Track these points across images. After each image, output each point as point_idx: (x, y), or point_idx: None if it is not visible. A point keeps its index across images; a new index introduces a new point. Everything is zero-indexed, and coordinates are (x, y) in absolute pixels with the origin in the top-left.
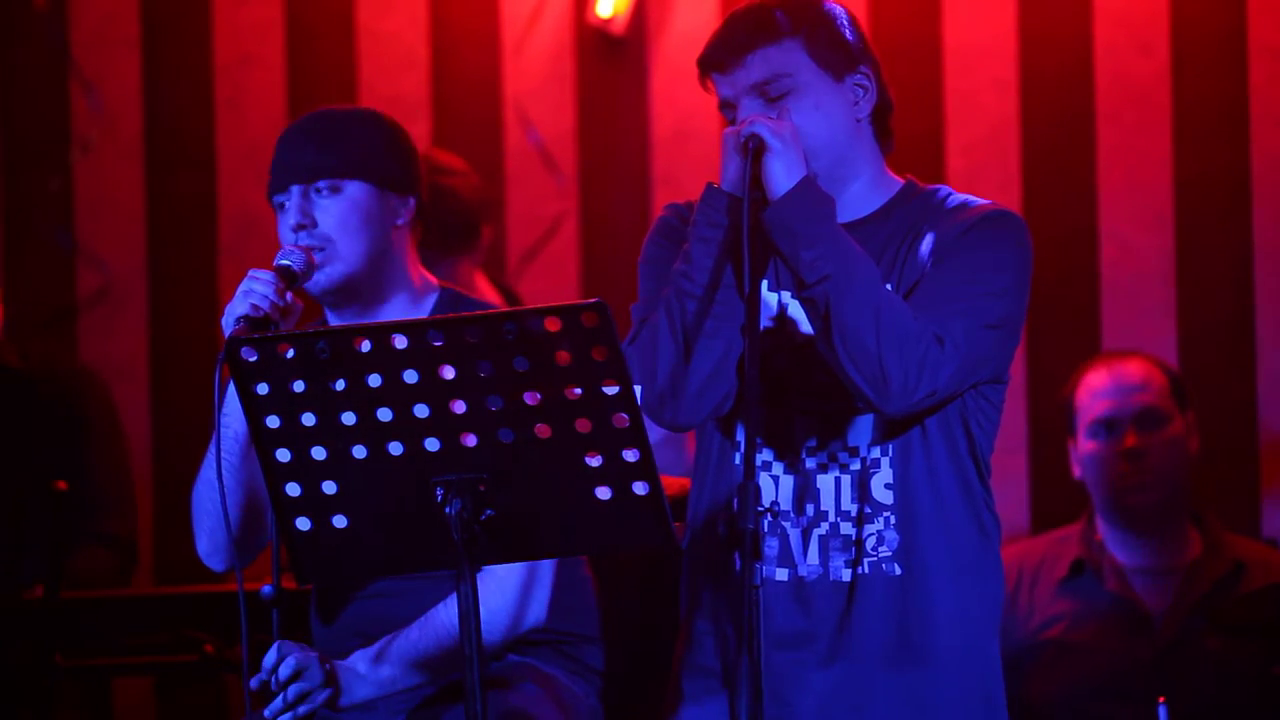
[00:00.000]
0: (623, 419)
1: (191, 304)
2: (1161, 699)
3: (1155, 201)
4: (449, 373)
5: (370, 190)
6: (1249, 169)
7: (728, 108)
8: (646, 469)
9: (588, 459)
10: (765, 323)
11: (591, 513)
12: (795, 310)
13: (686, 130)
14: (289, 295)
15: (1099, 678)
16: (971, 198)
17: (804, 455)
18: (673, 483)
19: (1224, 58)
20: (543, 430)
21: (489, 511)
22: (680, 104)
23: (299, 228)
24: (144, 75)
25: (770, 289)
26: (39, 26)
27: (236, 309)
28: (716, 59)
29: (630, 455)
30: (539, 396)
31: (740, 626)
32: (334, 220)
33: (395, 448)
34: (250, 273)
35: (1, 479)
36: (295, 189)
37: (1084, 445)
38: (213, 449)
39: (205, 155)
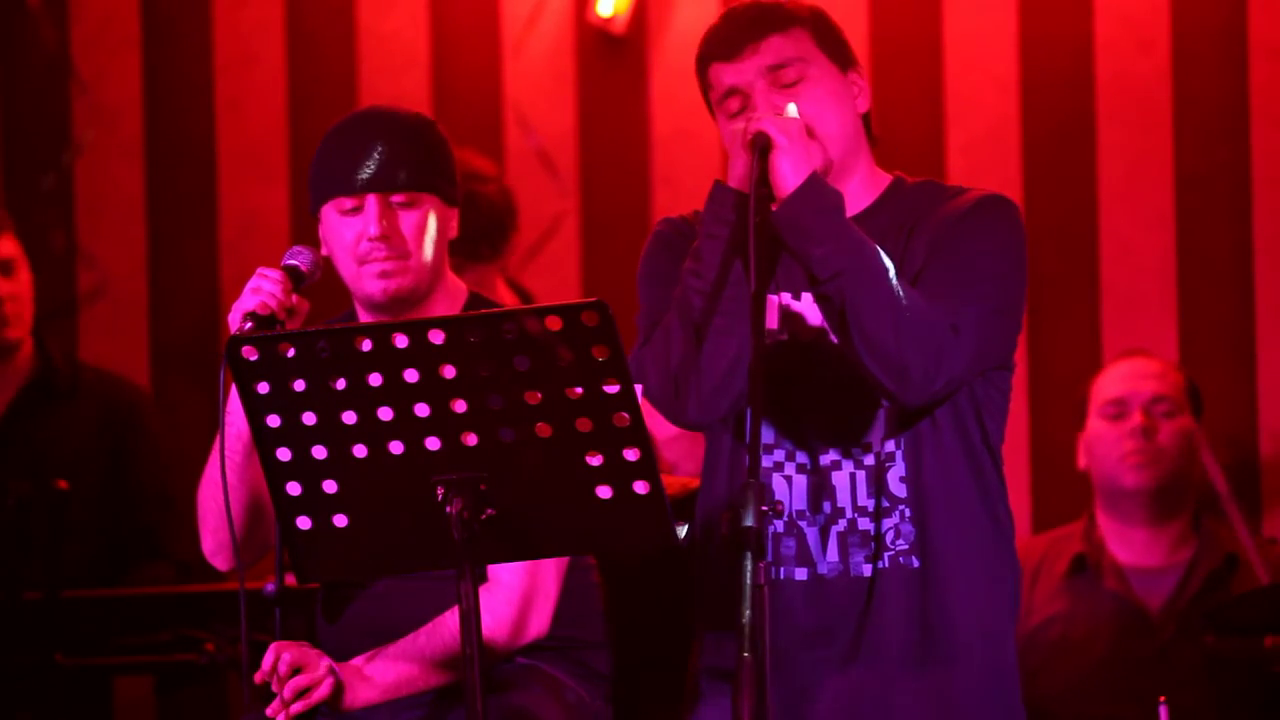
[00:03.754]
0: (623, 418)
1: (192, 303)
2: (1162, 699)
3: (1155, 201)
4: (450, 372)
5: (439, 204)
6: (1249, 168)
7: (733, 96)
8: (647, 468)
9: (588, 458)
10: (769, 324)
11: (592, 512)
12: (800, 308)
13: (686, 130)
14: (295, 296)
15: (1099, 676)
16: (959, 186)
17: (817, 454)
18: (673, 482)
19: (1224, 57)
20: (543, 429)
21: (489, 511)
22: (680, 104)
23: (381, 239)
24: (144, 75)
25: (770, 292)
26: (39, 25)
27: (244, 305)
28: (723, 47)
29: (631, 455)
30: (540, 396)
31: (741, 628)
32: (412, 233)
33: (396, 447)
34: (259, 270)
35: (35, 483)
36: (373, 198)
37: (1094, 427)
38: (217, 448)
39: (205, 155)
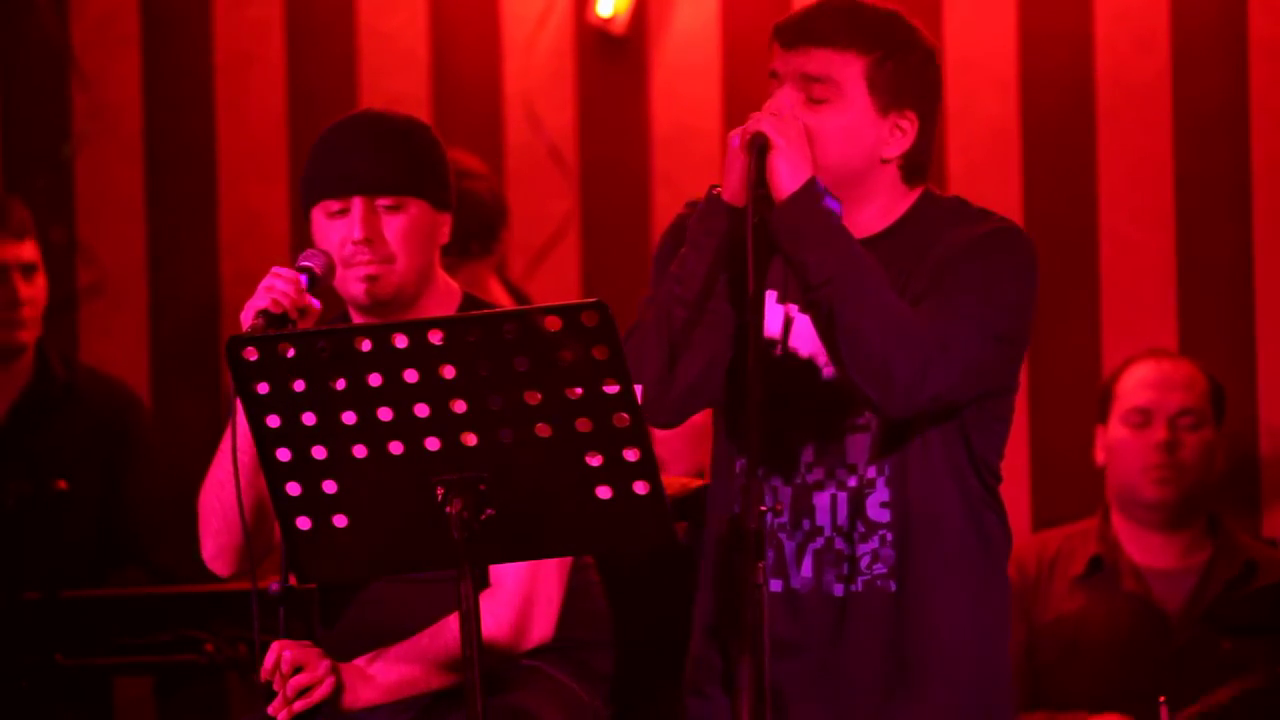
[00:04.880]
0: (623, 418)
1: (192, 303)
2: (1162, 699)
3: (1155, 201)
4: (450, 372)
5: (426, 209)
6: (1249, 168)
7: (775, 78)
8: (647, 468)
9: (588, 459)
10: (775, 330)
11: (592, 513)
12: (801, 325)
13: (687, 130)
14: (308, 297)
15: (1114, 677)
16: (984, 210)
17: (802, 470)
18: (673, 482)
19: (1224, 56)
20: (543, 430)
21: (489, 511)
22: (681, 103)
23: (365, 242)
24: (144, 73)
25: (778, 300)
26: (39, 22)
27: (257, 303)
28: (787, 33)
29: (631, 455)
30: (539, 396)
31: (741, 628)
32: (398, 237)
33: (396, 447)
34: (273, 269)
35: (34, 483)
36: (359, 200)
37: (1116, 431)
38: (221, 453)
39: (205, 154)
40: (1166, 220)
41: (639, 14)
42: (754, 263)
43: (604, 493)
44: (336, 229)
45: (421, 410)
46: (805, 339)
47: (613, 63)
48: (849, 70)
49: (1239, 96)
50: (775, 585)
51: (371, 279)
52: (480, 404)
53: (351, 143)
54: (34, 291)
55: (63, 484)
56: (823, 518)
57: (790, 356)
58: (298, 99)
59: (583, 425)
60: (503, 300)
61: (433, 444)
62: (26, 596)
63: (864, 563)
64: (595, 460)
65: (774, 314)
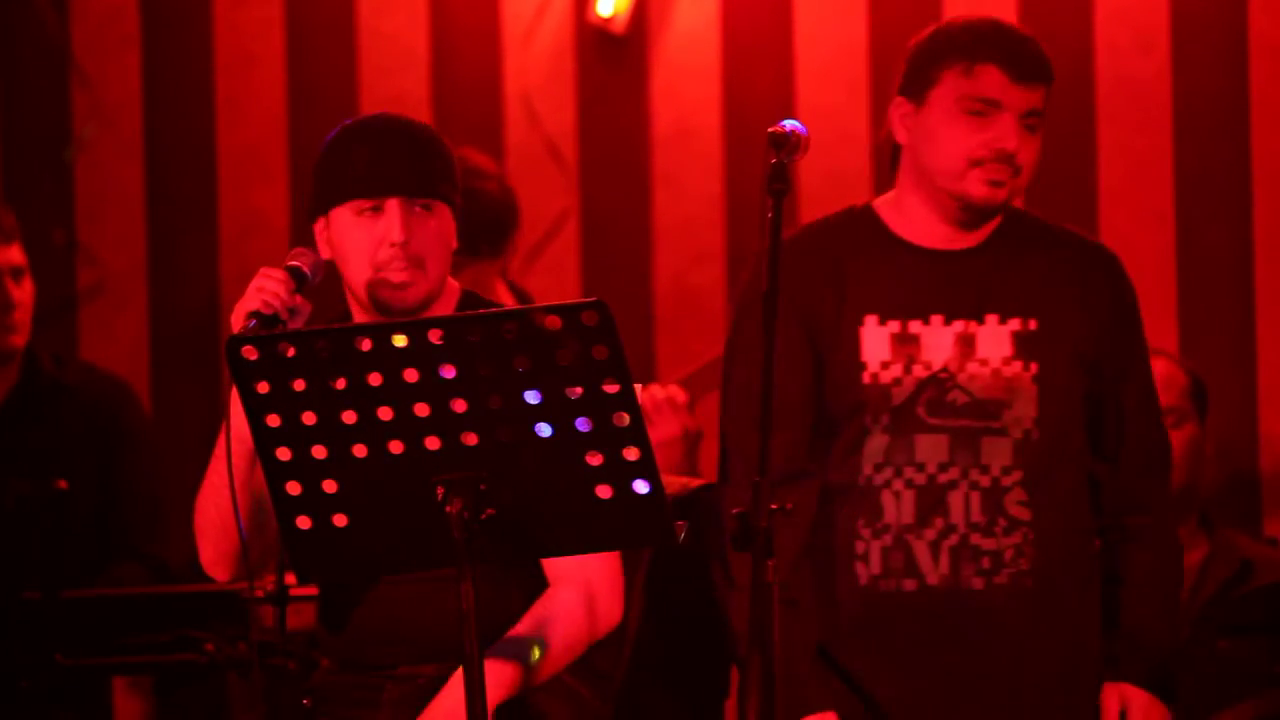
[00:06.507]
0: (623, 418)
1: (192, 303)
2: None
3: (1155, 201)
4: (450, 372)
5: (449, 214)
6: (1249, 168)
7: (983, 102)
8: (647, 468)
9: (588, 458)
10: (884, 354)
11: (592, 512)
12: (929, 338)
13: (687, 128)
14: (298, 296)
15: None
16: (1068, 230)
17: (933, 471)
18: (674, 482)
19: (1224, 56)
20: (543, 429)
21: (489, 511)
22: (681, 102)
23: (403, 245)
24: (144, 73)
25: (882, 321)
26: (40, 22)
27: (248, 304)
28: (1013, 63)
29: (631, 454)
30: (540, 395)
31: (750, 626)
32: (431, 241)
33: (396, 447)
34: (262, 270)
35: (34, 483)
36: (396, 201)
37: None
38: (217, 459)
39: (205, 154)
40: (1166, 220)
41: (639, 13)
42: (770, 261)
43: (604, 492)
44: (368, 229)
45: (421, 410)
46: (937, 351)
47: (613, 62)
48: (1045, 101)
49: (1239, 96)
50: (909, 585)
51: (404, 285)
52: (480, 403)
53: (385, 142)
54: (23, 295)
55: (63, 483)
56: (956, 515)
57: (914, 370)
58: (298, 99)
59: (583, 424)
60: (507, 301)
61: (433, 443)
62: (26, 596)
63: (1008, 555)
64: (595, 460)
65: (878, 336)
